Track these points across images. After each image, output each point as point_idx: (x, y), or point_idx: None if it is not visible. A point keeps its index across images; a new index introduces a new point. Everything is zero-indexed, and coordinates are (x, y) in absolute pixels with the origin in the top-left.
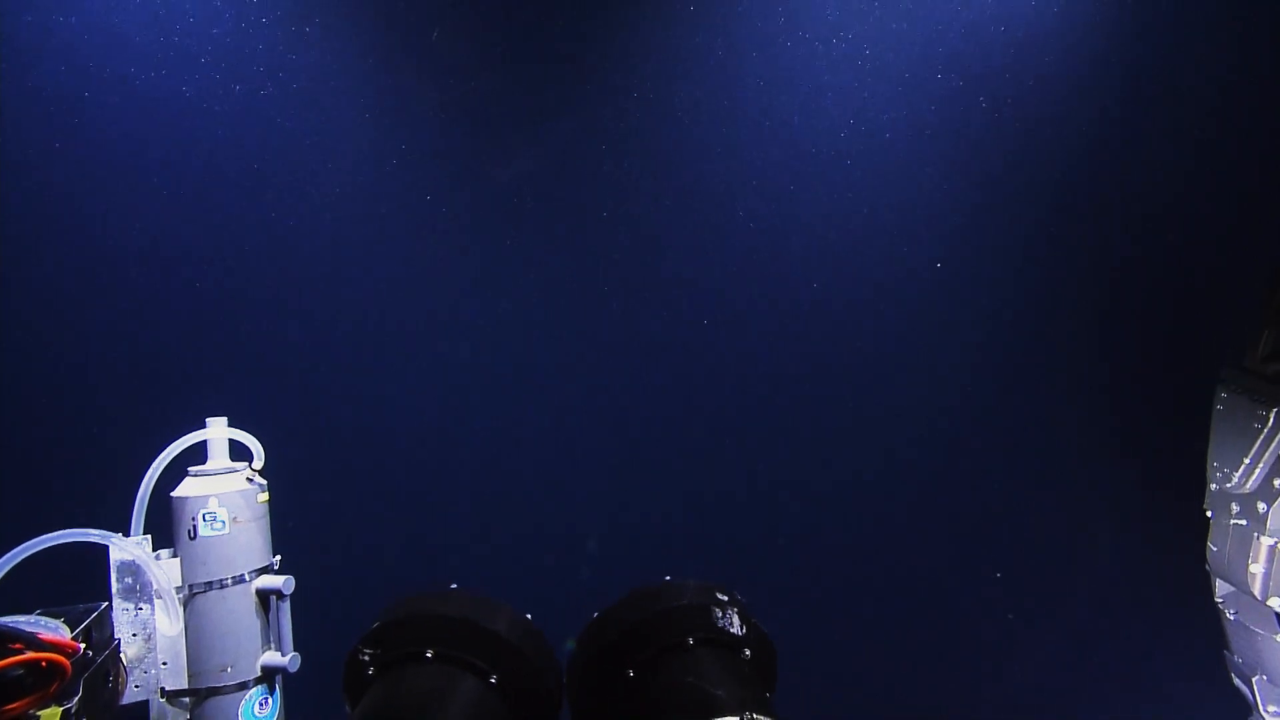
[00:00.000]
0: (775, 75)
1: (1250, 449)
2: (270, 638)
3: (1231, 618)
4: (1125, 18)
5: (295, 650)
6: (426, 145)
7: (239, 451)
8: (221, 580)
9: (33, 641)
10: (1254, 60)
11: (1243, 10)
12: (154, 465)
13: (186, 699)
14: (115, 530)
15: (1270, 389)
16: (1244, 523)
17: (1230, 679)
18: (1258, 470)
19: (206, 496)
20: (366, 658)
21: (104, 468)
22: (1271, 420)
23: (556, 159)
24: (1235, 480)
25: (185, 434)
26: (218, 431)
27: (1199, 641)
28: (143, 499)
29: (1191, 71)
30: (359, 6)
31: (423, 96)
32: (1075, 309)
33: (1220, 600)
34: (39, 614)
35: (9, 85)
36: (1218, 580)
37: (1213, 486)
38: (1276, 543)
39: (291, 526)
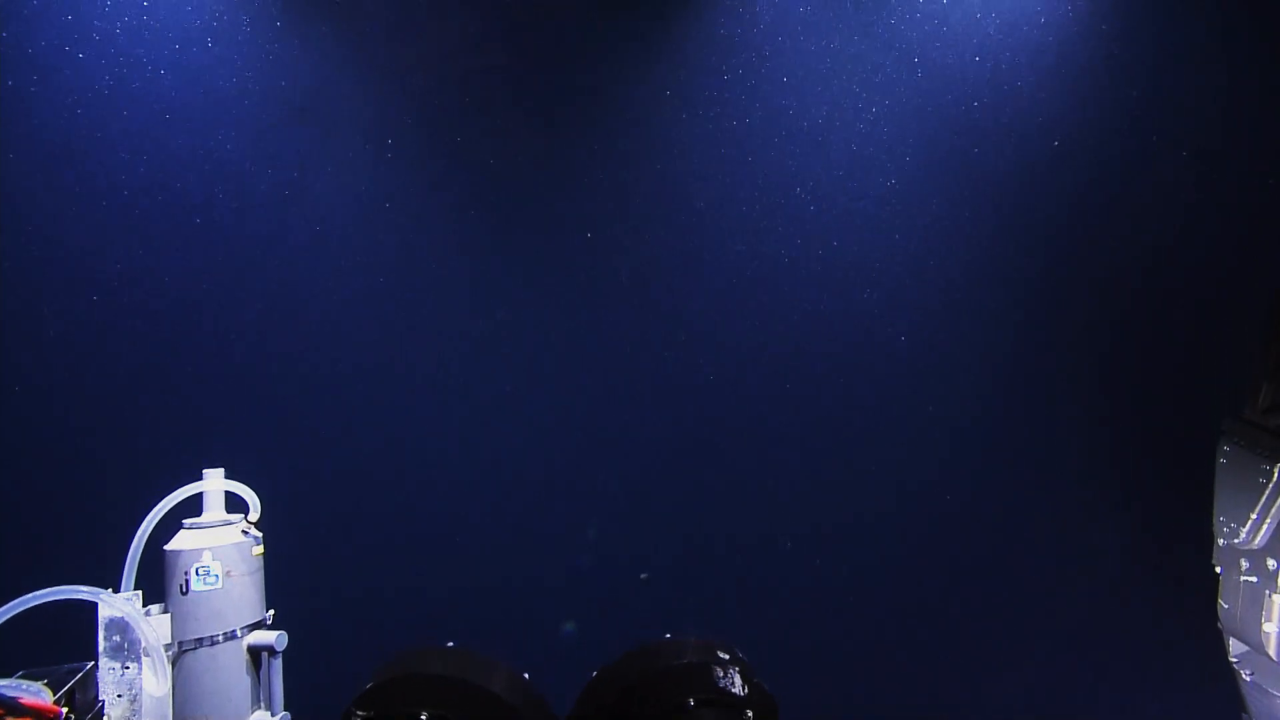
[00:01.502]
0: (787, 99)
1: (1256, 504)
2: (260, 696)
3: (1247, 679)
4: (1137, 48)
5: (286, 710)
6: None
7: (238, 504)
8: (213, 637)
9: (14, 706)
10: (1267, 92)
11: (1254, 42)
12: (148, 518)
13: None
14: (107, 585)
15: (1273, 443)
16: (1254, 579)
17: None
18: (1265, 526)
19: (200, 550)
20: (359, 719)
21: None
22: (1276, 476)
23: (558, 184)
24: (1243, 536)
25: (182, 486)
26: (214, 484)
27: (1199, 642)
28: (135, 553)
29: (1199, 104)
30: (346, 16)
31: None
32: (1078, 321)
33: (1235, 660)
34: (21, 676)
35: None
36: (1231, 639)
37: (1220, 542)
38: None
39: (285, 579)
